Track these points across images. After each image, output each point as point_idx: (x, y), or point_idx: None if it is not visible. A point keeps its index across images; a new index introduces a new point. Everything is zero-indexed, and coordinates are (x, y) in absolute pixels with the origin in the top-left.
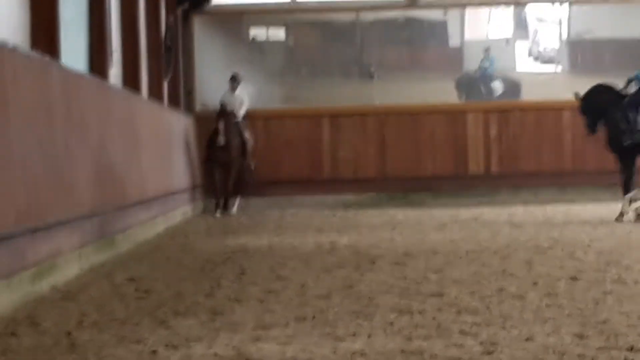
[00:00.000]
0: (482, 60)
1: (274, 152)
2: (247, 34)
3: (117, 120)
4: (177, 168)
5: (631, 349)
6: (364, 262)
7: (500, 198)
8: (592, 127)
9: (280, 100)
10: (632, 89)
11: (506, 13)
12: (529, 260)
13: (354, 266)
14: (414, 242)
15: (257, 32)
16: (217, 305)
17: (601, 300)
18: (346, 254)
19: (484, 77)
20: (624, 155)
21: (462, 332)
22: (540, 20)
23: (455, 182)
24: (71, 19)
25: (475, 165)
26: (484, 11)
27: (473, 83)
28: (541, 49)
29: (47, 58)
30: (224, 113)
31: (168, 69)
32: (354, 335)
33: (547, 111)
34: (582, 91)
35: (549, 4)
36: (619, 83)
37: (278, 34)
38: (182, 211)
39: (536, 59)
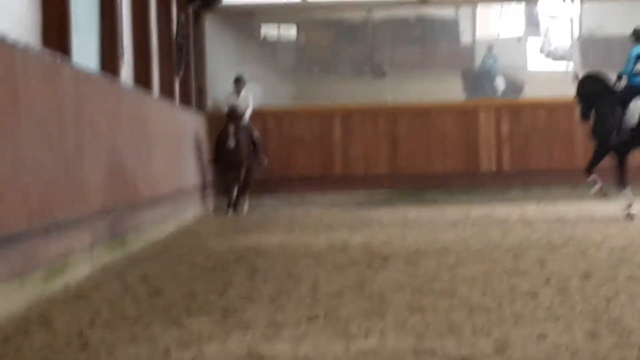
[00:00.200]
0: (484, 57)
1: (285, 150)
2: (259, 32)
3: (129, 119)
4: (189, 167)
5: None
6: (376, 260)
7: (512, 196)
8: (586, 114)
9: (292, 98)
10: (623, 83)
11: (517, 10)
12: (541, 258)
13: (366, 264)
14: (425, 240)
15: (269, 31)
16: (229, 304)
17: (614, 297)
18: (358, 252)
19: (488, 74)
20: (604, 149)
21: (475, 331)
22: (551, 17)
23: (467, 179)
24: (82, 18)
25: (487, 162)
26: (495, 9)
27: (476, 80)
28: (553, 46)
29: (58, 57)
30: (235, 116)
31: (179, 67)
32: (366, 333)
33: (558, 108)
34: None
35: (560, 1)
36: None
37: (289, 32)
38: (193, 210)
39: (548, 56)
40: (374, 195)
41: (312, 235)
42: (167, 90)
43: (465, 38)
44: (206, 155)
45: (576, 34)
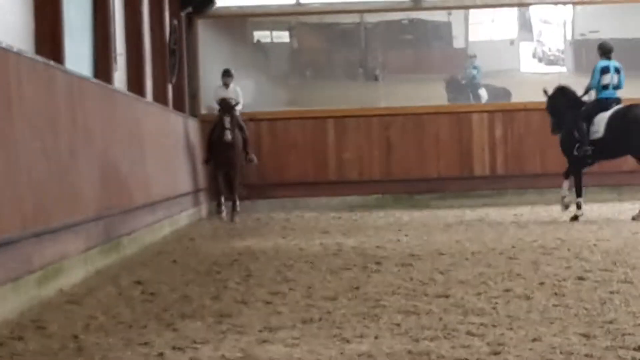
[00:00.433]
0: (467, 67)
1: (279, 154)
2: (252, 36)
3: (122, 124)
4: (182, 171)
5: (638, 348)
6: (370, 264)
7: (506, 199)
8: (555, 127)
9: (285, 102)
10: (592, 96)
11: (510, 14)
12: (535, 261)
13: (360, 268)
14: (419, 244)
15: (262, 35)
16: (224, 308)
17: (608, 300)
18: (352, 255)
19: (470, 84)
20: (576, 161)
21: (469, 333)
22: (544, 21)
23: (461, 183)
24: (75, 24)
25: (481, 166)
26: (488, 12)
27: (459, 89)
28: (545, 50)
29: (51, 62)
30: (229, 108)
31: (172, 72)
32: (360, 336)
33: None
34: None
35: (552, 5)
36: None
37: (282, 36)
38: (187, 214)
39: (540, 60)
40: (368, 199)
41: (306, 239)
42: (160, 96)
43: (458, 42)
44: (199, 159)
45: (569, 37)
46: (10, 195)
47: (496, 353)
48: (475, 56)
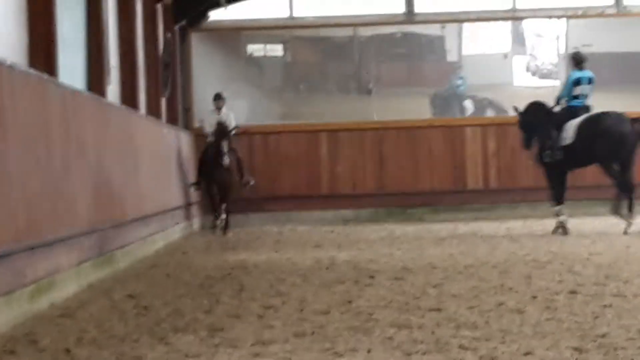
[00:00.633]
0: (452, 80)
1: (272, 168)
2: (245, 50)
3: (115, 137)
4: (176, 185)
5: None
6: (363, 278)
7: (499, 213)
8: (527, 143)
9: (278, 116)
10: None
11: (504, 28)
12: (527, 275)
13: (353, 281)
14: (412, 257)
15: (255, 48)
16: (217, 322)
17: (600, 314)
18: (345, 269)
19: (455, 96)
20: (551, 171)
21: (462, 347)
22: (537, 35)
23: (454, 197)
24: (69, 37)
25: (474, 180)
26: (481, 26)
27: (444, 101)
28: (539, 63)
29: (44, 75)
30: (225, 133)
31: (166, 85)
32: (353, 350)
33: None
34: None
35: (546, 19)
36: (613, 96)
37: (276, 49)
38: (180, 228)
39: (534, 73)
40: (361, 213)
41: (298, 252)
42: (153, 109)
43: (451, 55)
44: (192, 173)
45: (562, 51)
46: (2, 208)
47: None
48: (460, 67)
